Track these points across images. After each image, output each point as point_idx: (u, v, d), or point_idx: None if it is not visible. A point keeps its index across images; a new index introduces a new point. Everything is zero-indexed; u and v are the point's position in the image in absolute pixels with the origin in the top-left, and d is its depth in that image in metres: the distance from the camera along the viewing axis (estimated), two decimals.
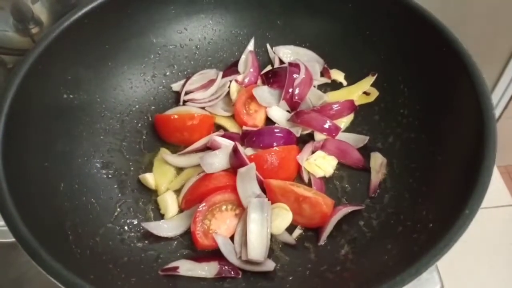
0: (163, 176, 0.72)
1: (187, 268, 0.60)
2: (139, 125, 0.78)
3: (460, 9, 1.11)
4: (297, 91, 0.75)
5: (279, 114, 0.77)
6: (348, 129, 0.77)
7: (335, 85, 0.81)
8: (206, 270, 0.60)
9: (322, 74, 0.82)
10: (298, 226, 0.66)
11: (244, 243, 0.62)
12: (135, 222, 0.67)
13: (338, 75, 0.81)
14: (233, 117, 0.79)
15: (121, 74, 0.77)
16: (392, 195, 0.66)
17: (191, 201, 0.67)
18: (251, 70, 0.82)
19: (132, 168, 0.73)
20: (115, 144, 0.74)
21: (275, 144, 0.70)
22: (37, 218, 0.55)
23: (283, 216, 0.64)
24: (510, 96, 1.43)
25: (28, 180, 0.58)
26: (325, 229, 0.64)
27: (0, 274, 0.69)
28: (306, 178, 0.71)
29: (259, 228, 0.62)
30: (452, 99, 0.64)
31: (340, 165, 0.73)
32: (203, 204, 0.64)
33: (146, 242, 0.65)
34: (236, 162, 0.67)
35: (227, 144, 0.70)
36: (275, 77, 0.78)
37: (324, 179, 0.72)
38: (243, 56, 0.84)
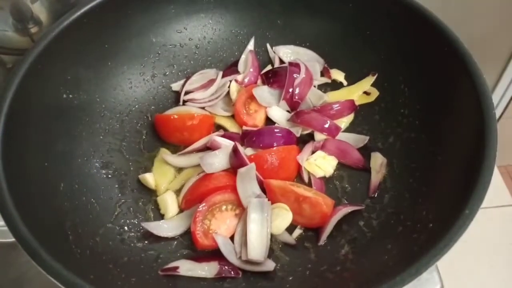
0: (163, 176, 0.72)
1: (187, 268, 0.60)
2: (139, 125, 0.78)
3: (460, 8, 1.11)
4: (297, 91, 0.75)
5: (279, 114, 0.77)
6: (348, 129, 0.77)
7: (335, 85, 0.81)
8: (206, 270, 0.60)
9: (322, 74, 0.82)
10: (298, 226, 0.66)
11: (244, 243, 0.62)
12: (135, 222, 0.67)
13: (338, 75, 0.81)
14: (233, 117, 0.79)
15: (120, 74, 0.77)
16: (392, 195, 0.66)
17: (191, 201, 0.67)
18: (251, 70, 0.82)
19: (132, 168, 0.73)
20: (114, 144, 0.74)
21: (275, 144, 0.70)
22: (37, 218, 0.55)
23: (283, 216, 0.64)
24: (511, 96, 1.43)
25: (28, 180, 0.58)
26: (325, 229, 0.64)
27: (0, 274, 0.69)
28: (306, 178, 0.71)
29: (259, 228, 0.62)
30: (453, 99, 0.64)
31: (340, 165, 0.73)
32: (203, 204, 0.64)
33: (146, 242, 0.65)
34: (236, 162, 0.67)
35: (227, 144, 0.70)
36: (275, 77, 0.78)
37: (324, 179, 0.72)
38: (243, 56, 0.84)
